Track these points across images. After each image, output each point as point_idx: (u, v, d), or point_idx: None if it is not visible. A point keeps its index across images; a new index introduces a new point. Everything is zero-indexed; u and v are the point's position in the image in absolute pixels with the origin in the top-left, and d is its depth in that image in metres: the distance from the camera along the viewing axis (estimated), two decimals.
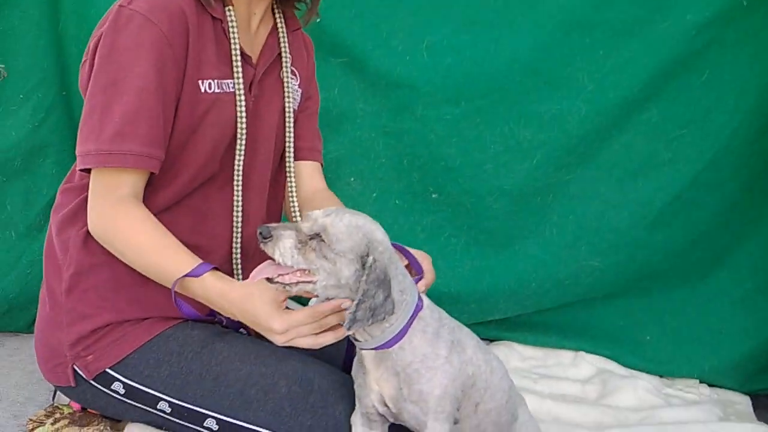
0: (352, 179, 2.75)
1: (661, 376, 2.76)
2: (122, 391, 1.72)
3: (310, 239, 1.45)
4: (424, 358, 1.53)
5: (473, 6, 2.62)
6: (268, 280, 1.47)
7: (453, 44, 2.64)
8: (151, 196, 1.71)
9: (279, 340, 1.53)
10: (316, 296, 1.53)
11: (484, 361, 1.64)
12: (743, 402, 2.74)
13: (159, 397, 1.71)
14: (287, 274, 1.46)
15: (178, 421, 1.71)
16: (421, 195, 2.76)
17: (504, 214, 2.74)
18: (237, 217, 1.82)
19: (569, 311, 2.83)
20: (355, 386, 1.64)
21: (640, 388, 2.51)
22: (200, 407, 1.69)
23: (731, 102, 2.63)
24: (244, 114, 1.77)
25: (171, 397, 1.70)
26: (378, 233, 1.50)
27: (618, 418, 2.30)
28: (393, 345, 1.52)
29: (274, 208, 2.00)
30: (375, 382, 1.57)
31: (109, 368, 1.72)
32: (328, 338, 1.54)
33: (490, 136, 2.69)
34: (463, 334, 1.64)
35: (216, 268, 1.62)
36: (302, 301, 2.46)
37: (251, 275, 1.48)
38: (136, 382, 1.71)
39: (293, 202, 1.96)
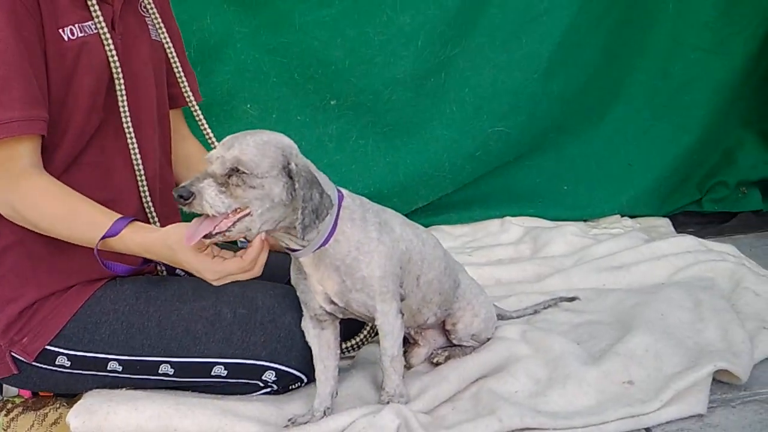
0: (248, 106, 2.69)
1: (585, 220, 2.87)
2: (68, 364, 1.69)
3: (229, 177, 1.43)
4: (359, 245, 1.56)
5: None
6: (207, 236, 1.44)
7: None
8: (47, 161, 1.64)
9: (214, 285, 1.55)
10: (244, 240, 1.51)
11: (414, 235, 1.68)
12: (664, 224, 2.90)
13: (107, 358, 1.68)
14: (221, 221, 1.43)
15: (132, 376, 1.70)
16: (320, 105, 2.74)
17: (403, 103, 2.75)
18: (136, 160, 1.76)
19: (487, 181, 2.90)
20: (298, 293, 1.65)
21: (569, 233, 2.61)
22: (150, 356, 1.67)
23: None
24: (114, 53, 1.70)
25: (119, 354, 1.68)
26: (285, 139, 1.50)
27: (554, 266, 2.39)
28: (329, 241, 1.53)
29: (165, 145, 1.94)
30: (318, 283, 1.59)
31: (48, 345, 1.68)
32: (261, 261, 1.53)
33: (371, 28, 2.68)
34: (389, 215, 1.67)
35: (133, 220, 1.59)
36: None
37: (186, 238, 1.45)
38: (80, 350, 1.68)
39: (209, 135, 1.92)
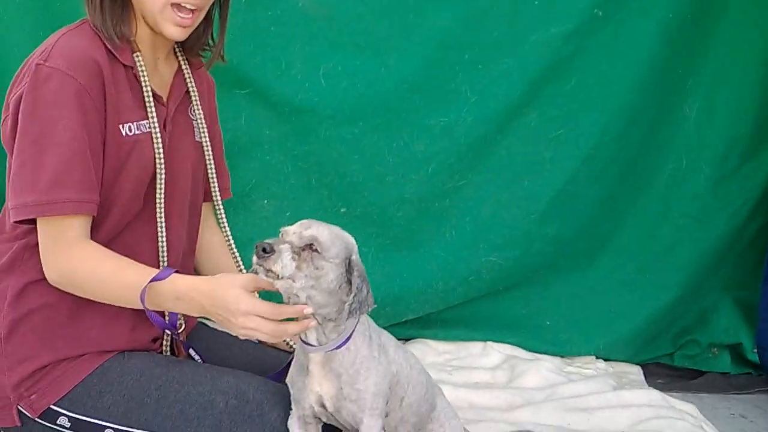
0: (266, 201, 2.90)
1: (562, 357, 3.05)
2: (68, 425, 1.82)
3: (303, 250, 1.60)
4: (363, 359, 1.72)
5: (361, 33, 2.84)
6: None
7: (346, 69, 2.84)
8: (92, 237, 1.82)
9: (240, 324, 1.65)
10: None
11: (404, 359, 1.84)
12: (635, 372, 3.07)
13: (104, 425, 1.82)
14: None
15: None
16: (331, 210, 2.95)
17: (407, 221, 2.97)
18: (162, 246, 1.95)
19: (475, 305, 3.09)
20: (293, 391, 1.80)
21: (544, 368, 2.77)
22: (145, 430, 1.81)
23: (598, 102, 2.97)
24: (161, 152, 1.90)
25: (115, 424, 1.81)
26: (351, 238, 1.68)
27: (526, 398, 2.55)
28: (344, 346, 1.70)
29: (193, 235, 2.13)
30: (317, 384, 1.74)
31: (53, 404, 1.82)
32: (292, 329, 1.65)
33: (387, 150, 2.91)
34: (385, 337, 1.83)
35: (178, 271, 1.76)
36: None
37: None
38: (81, 414, 1.82)
39: (226, 232, 2.12)
